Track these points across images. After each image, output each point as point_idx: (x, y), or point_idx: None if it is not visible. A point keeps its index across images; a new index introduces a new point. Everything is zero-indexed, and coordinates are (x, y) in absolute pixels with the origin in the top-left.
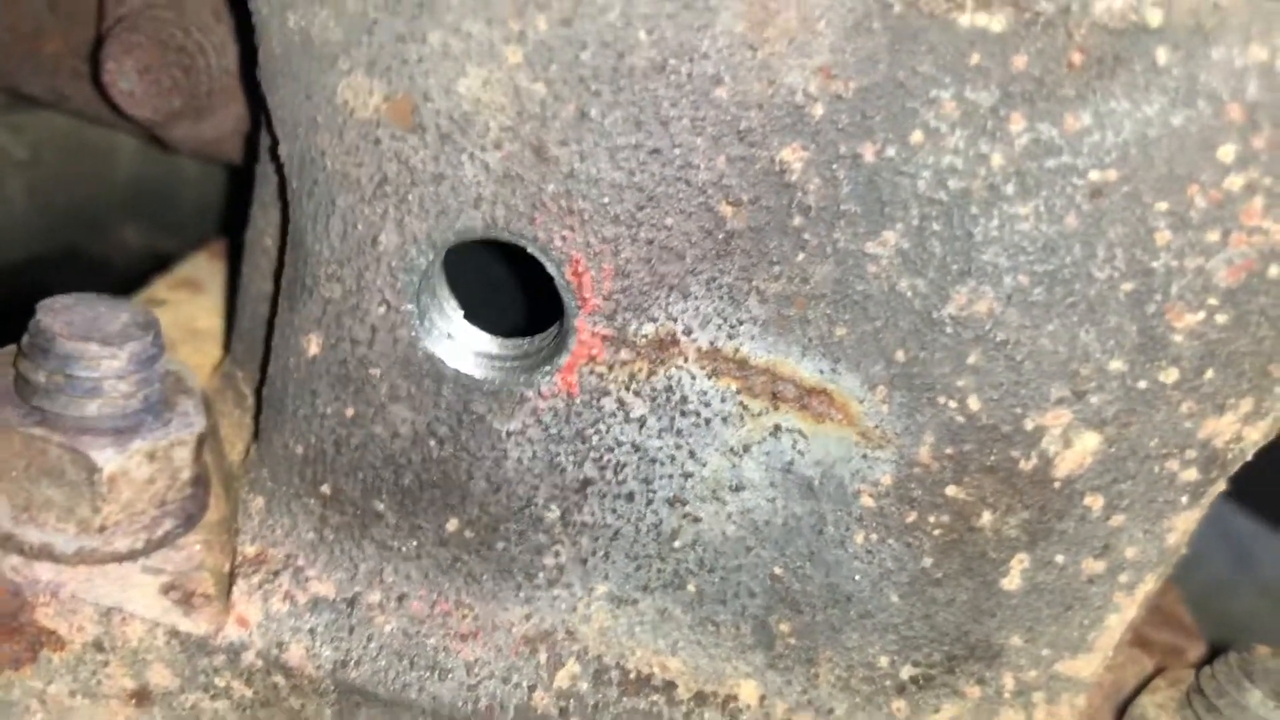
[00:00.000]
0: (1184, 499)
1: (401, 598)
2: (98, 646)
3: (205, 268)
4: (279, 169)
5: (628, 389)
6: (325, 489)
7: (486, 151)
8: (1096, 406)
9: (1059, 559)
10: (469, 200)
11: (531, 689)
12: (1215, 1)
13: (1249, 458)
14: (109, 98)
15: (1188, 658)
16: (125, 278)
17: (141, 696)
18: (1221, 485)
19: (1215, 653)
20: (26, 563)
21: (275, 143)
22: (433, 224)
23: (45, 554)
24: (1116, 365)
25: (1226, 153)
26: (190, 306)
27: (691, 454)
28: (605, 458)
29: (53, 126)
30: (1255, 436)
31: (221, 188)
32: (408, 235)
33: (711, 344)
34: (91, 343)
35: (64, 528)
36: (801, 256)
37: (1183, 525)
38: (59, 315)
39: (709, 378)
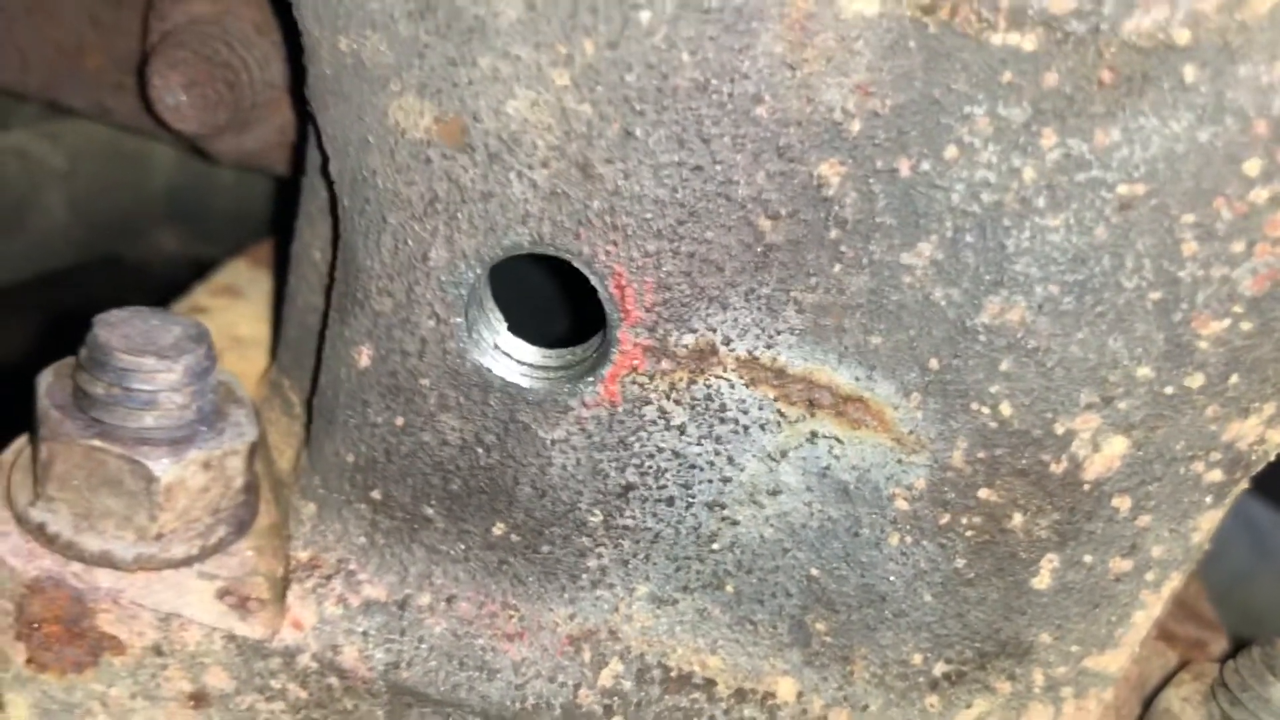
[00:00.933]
0: (1208, 499)
1: (450, 599)
2: (157, 650)
3: (244, 274)
4: (329, 185)
5: (668, 398)
6: (376, 495)
7: (534, 170)
8: (1125, 411)
9: (1088, 559)
10: (517, 217)
11: (577, 687)
12: (1242, 21)
13: (1272, 459)
14: (155, 112)
15: (1211, 651)
16: (163, 284)
17: (199, 699)
18: (1245, 485)
19: (1239, 646)
20: (87, 569)
21: (325, 160)
22: (481, 240)
23: (105, 561)
24: (1144, 371)
25: (1252, 167)
26: (231, 313)
27: (730, 460)
28: (646, 464)
29: (90, 136)
30: (1278, 438)
31: (255, 194)
32: (457, 251)
33: (750, 353)
34: (148, 356)
35: (123, 535)
36: (838, 268)
37: (1207, 524)
38: (115, 329)
39: (747, 386)
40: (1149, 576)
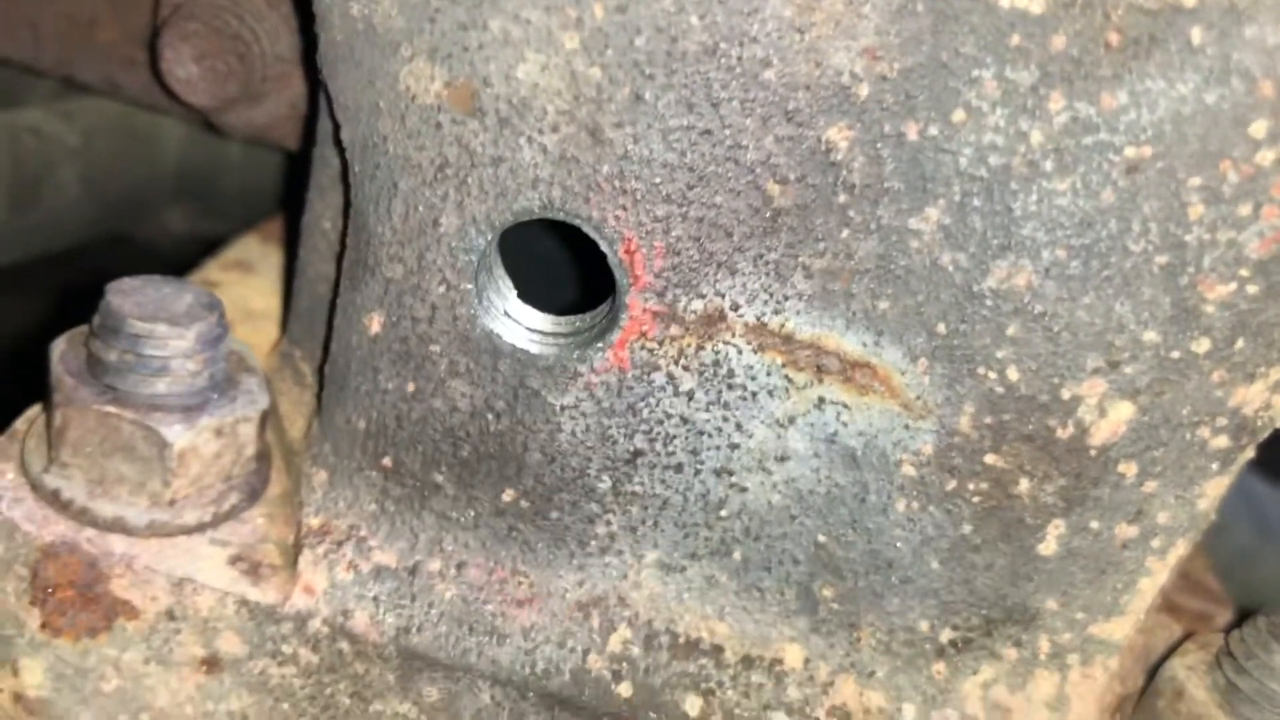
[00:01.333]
0: (1215, 465)
1: (460, 566)
2: (170, 615)
3: (255, 249)
4: (340, 153)
5: (677, 363)
6: (386, 462)
7: (544, 134)
8: (1131, 376)
9: (1094, 525)
10: (527, 182)
11: (586, 653)
12: None
13: (1278, 424)
14: (166, 85)
15: (1216, 623)
16: (172, 262)
17: (212, 663)
18: (1250, 452)
19: (1244, 617)
20: (101, 535)
21: (336, 128)
22: (492, 205)
23: (119, 527)
24: (1150, 336)
25: (1259, 129)
26: (242, 287)
27: (738, 426)
28: (655, 430)
29: (102, 113)
30: None
31: (264, 172)
32: (467, 216)
33: (758, 319)
34: (160, 323)
35: (136, 501)
36: (846, 233)
37: (1213, 491)
38: (128, 297)
39: (755, 352)
40: (1155, 543)
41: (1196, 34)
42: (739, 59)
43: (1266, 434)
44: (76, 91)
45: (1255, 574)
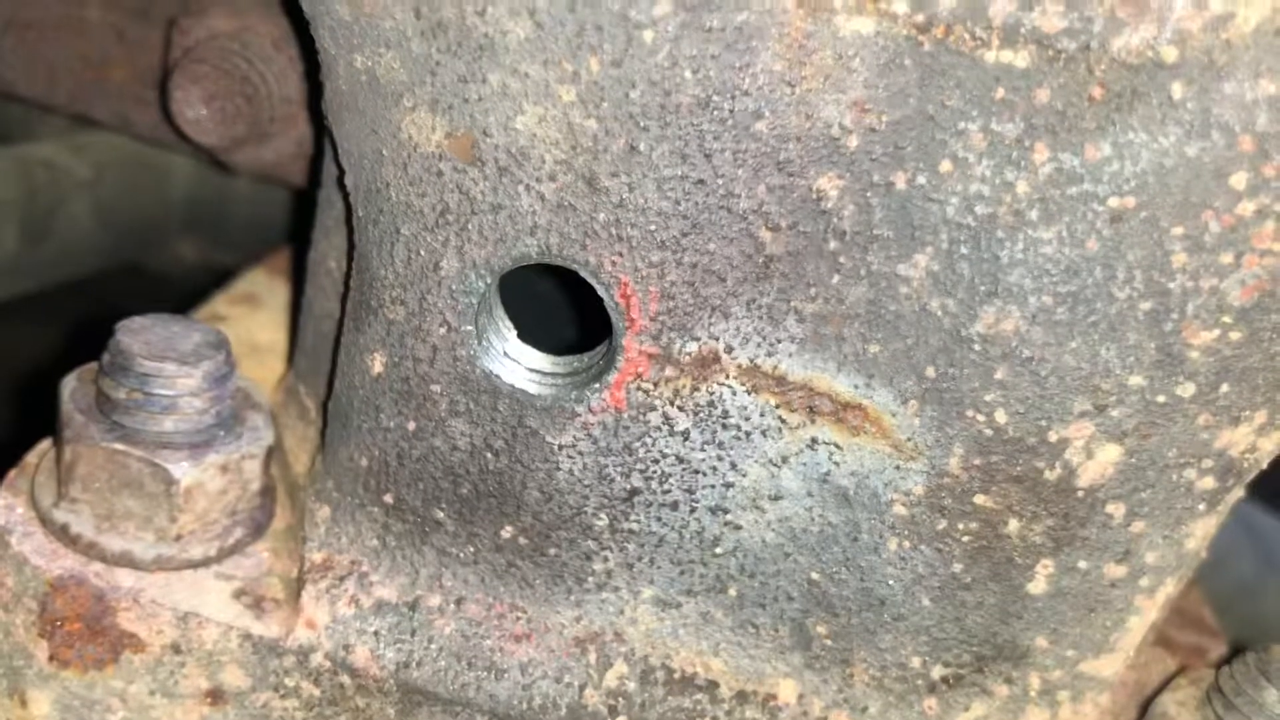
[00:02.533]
0: (1201, 506)
1: (460, 601)
2: (175, 648)
3: (263, 283)
4: (344, 197)
5: (672, 404)
6: (388, 498)
7: (542, 183)
8: (1117, 419)
9: (1082, 564)
10: (525, 228)
11: (582, 688)
12: (1227, 39)
13: (1264, 466)
14: (176, 124)
15: (1210, 657)
16: (182, 291)
17: (216, 696)
18: (1239, 493)
19: (1236, 652)
20: (108, 569)
21: (340, 173)
22: (491, 250)
23: (126, 561)
24: (1136, 380)
25: (1239, 180)
26: (249, 321)
27: (733, 465)
28: (651, 469)
29: (113, 147)
30: (1269, 447)
31: (272, 204)
32: (468, 261)
33: (751, 361)
34: (168, 362)
35: (143, 536)
36: (837, 278)
37: (1201, 531)
38: (137, 336)
39: (749, 393)
40: (1143, 582)
41: (1177, 89)
42: (731, 111)
43: (1253, 474)
44: (87, 125)
45: (1258, 606)
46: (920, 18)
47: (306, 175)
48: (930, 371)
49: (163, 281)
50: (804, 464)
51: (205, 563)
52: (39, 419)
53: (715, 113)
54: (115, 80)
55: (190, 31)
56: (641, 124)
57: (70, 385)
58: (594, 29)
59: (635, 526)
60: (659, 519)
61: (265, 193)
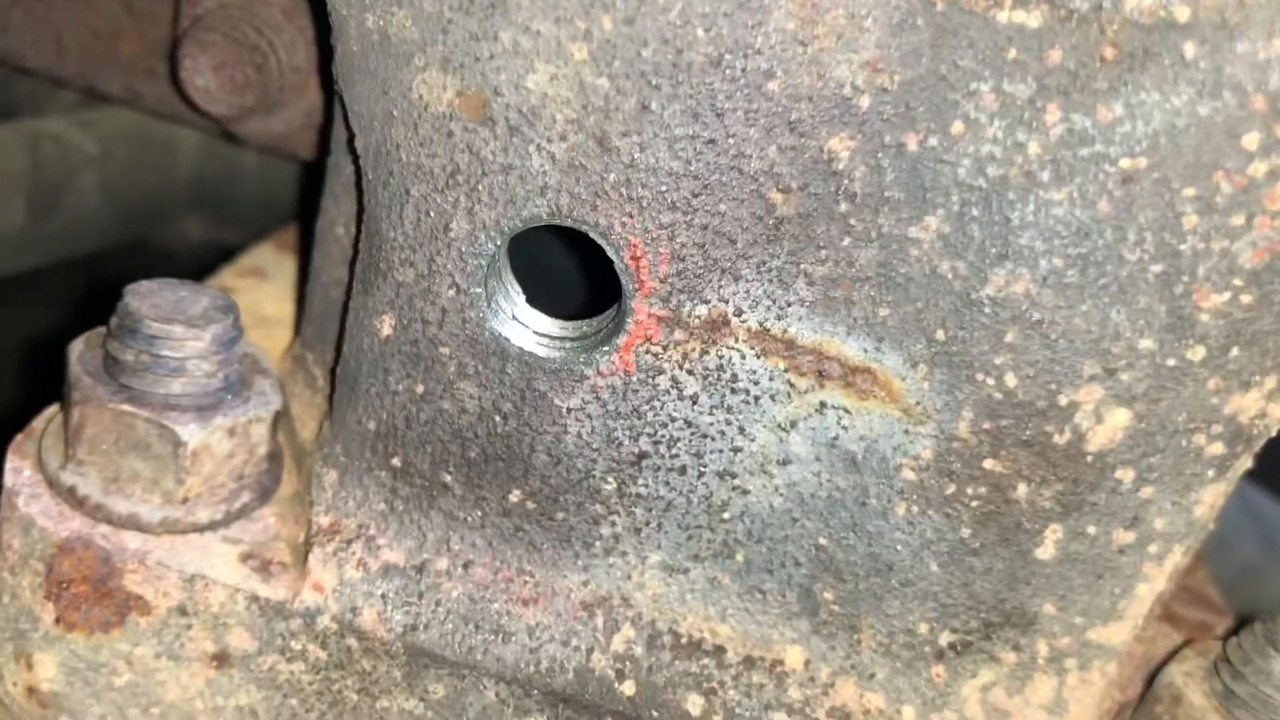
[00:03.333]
0: (1210, 472)
1: (467, 565)
2: (181, 611)
3: (270, 257)
4: (354, 161)
5: (681, 367)
6: (395, 462)
7: (553, 143)
8: (1127, 383)
9: (1091, 529)
10: (535, 189)
11: (589, 652)
12: None
13: (1273, 433)
14: (185, 94)
15: (1215, 633)
16: (189, 265)
17: (222, 659)
18: (1248, 461)
19: (1243, 624)
20: (115, 531)
21: (351, 136)
22: (501, 211)
23: (132, 523)
24: (1146, 344)
25: (1251, 141)
26: (257, 294)
27: (741, 429)
28: (659, 433)
29: (121, 122)
30: (1279, 412)
31: (278, 181)
32: (478, 222)
33: (761, 324)
34: (176, 324)
35: (150, 499)
36: (847, 241)
37: (1209, 498)
38: (145, 299)
39: (758, 357)
40: (1152, 549)
41: (1190, 49)
42: (743, 70)
43: (1262, 442)
44: (96, 101)
45: (1261, 589)
46: None
47: (315, 148)
48: (940, 335)
49: (168, 258)
50: (812, 429)
51: (212, 526)
52: (45, 390)
53: (727, 71)
54: (124, 52)
55: (199, 1)
56: (653, 82)
57: (78, 348)
58: None
59: (643, 491)
60: (667, 483)
61: (272, 170)
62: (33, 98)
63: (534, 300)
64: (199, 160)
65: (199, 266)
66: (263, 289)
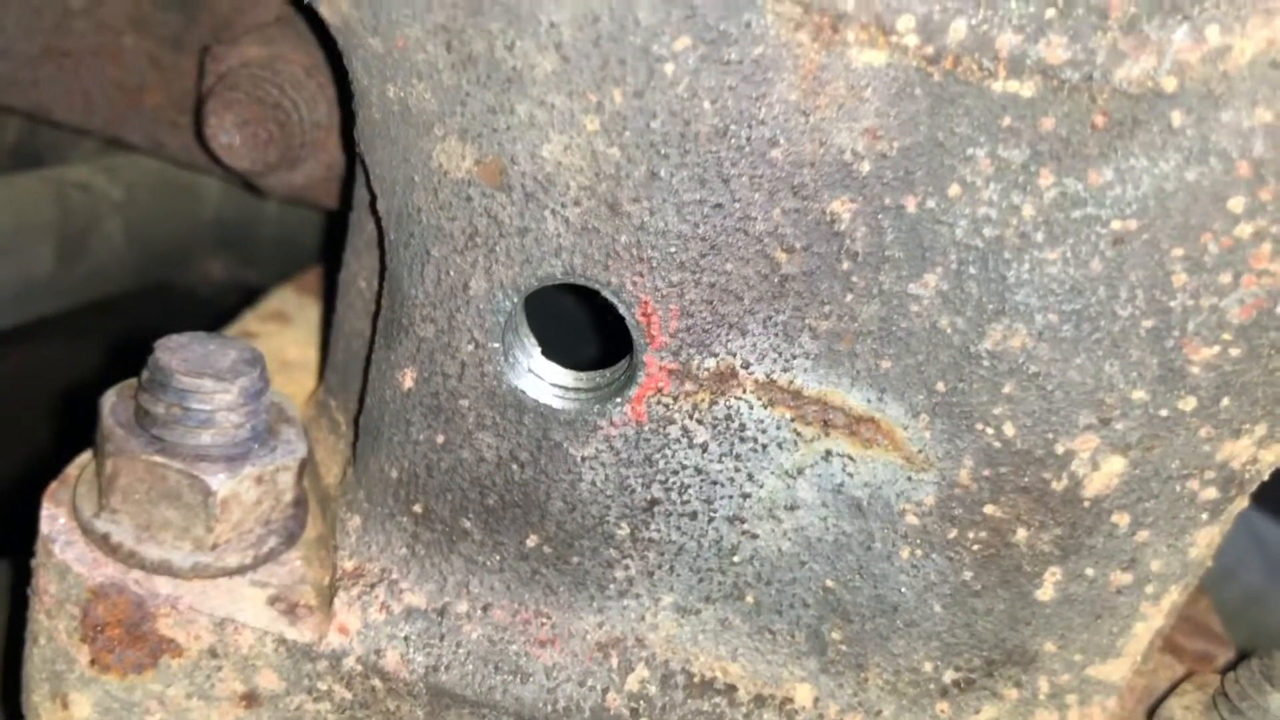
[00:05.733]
0: (1204, 516)
1: (486, 607)
2: (212, 653)
3: (292, 301)
4: (376, 220)
5: (691, 417)
6: (417, 508)
7: (566, 208)
8: (1121, 432)
9: (1089, 572)
10: (550, 250)
11: (605, 691)
12: (1224, 70)
13: (1265, 477)
14: (210, 149)
15: (1217, 663)
16: (210, 310)
17: (251, 699)
18: (1242, 503)
19: (1241, 657)
20: (148, 577)
21: (373, 197)
22: (518, 271)
23: (164, 569)
24: (1139, 395)
25: (1236, 204)
26: (279, 339)
27: (750, 476)
28: (671, 480)
29: (145, 168)
30: (1270, 459)
31: (299, 224)
32: (495, 281)
33: (768, 376)
34: (206, 378)
35: (181, 545)
36: (850, 297)
37: (1204, 540)
38: (175, 353)
39: (765, 407)
40: (1148, 589)
41: (1177, 117)
42: (748, 139)
43: (1255, 486)
44: (120, 149)
45: (1266, 616)
46: (930, 50)
47: (335, 197)
48: (940, 386)
49: (191, 300)
50: (819, 475)
51: (241, 570)
52: (75, 432)
53: (733, 140)
54: (149, 105)
55: (224, 59)
56: (662, 151)
57: (110, 400)
58: (617, 62)
59: (655, 535)
60: (678, 528)
61: (292, 214)
62: (56, 145)
63: (549, 346)
64: (221, 204)
65: (222, 307)
66: (285, 334)
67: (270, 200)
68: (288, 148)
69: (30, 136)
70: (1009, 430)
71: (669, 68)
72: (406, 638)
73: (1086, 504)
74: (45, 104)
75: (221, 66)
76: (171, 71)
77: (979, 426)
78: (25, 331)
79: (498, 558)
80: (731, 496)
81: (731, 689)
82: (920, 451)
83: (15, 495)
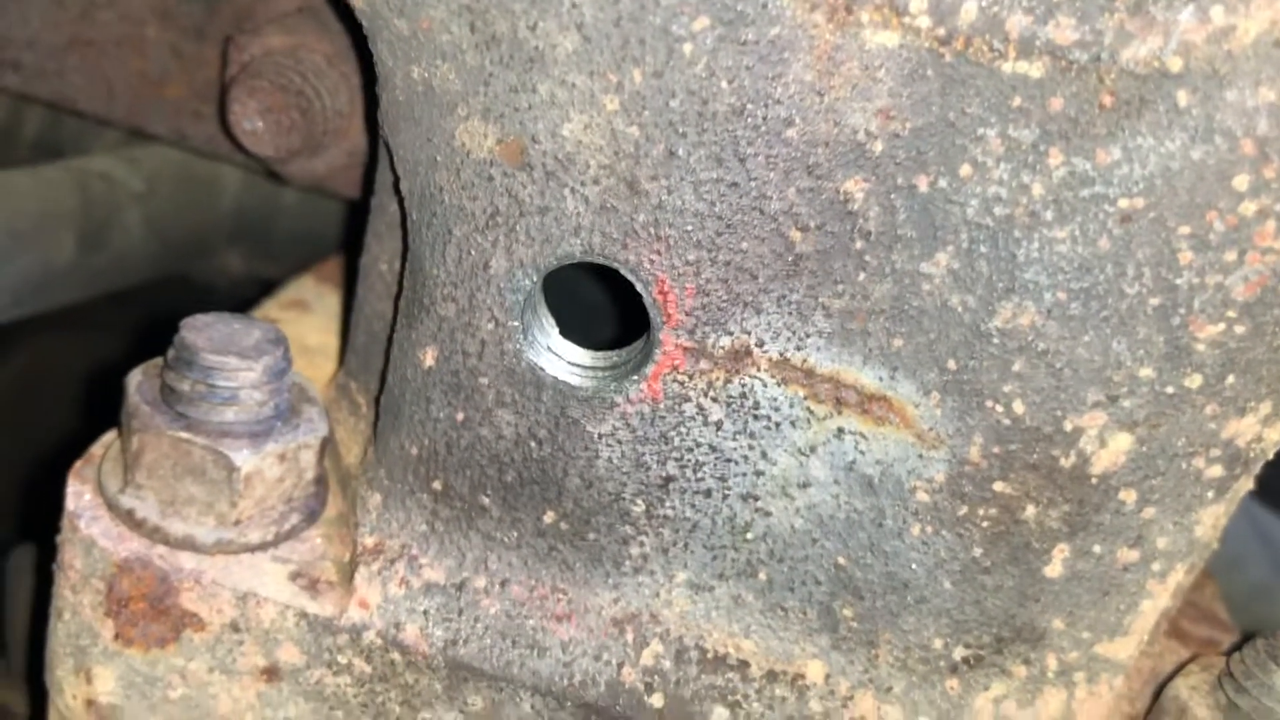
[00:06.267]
0: (1210, 494)
1: (504, 583)
2: (234, 627)
3: (311, 289)
4: (399, 201)
5: (706, 395)
6: (436, 485)
7: (586, 186)
8: (1129, 409)
9: (1096, 548)
10: (570, 229)
11: (620, 666)
12: (1229, 50)
13: (1270, 456)
14: (234, 137)
15: (1222, 649)
16: (230, 299)
17: (272, 673)
18: (1248, 483)
19: (1246, 639)
20: (172, 552)
21: (395, 179)
22: (537, 250)
23: (188, 544)
24: (1146, 372)
25: (1241, 182)
26: (300, 325)
27: (763, 454)
28: (685, 457)
29: (165, 160)
30: (1275, 437)
31: (317, 216)
32: (515, 260)
33: (781, 354)
34: (230, 356)
35: (204, 521)
36: (863, 276)
37: (1210, 518)
38: (201, 332)
39: (779, 385)
40: (1155, 567)
41: (1182, 97)
42: (764, 119)
43: (1260, 464)
44: (141, 140)
45: (1272, 610)
46: (942, 31)
47: (355, 186)
48: (951, 364)
49: (210, 291)
50: (831, 453)
51: (263, 546)
52: (96, 419)
53: (749, 120)
54: (172, 96)
55: (247, 48)
56: (680, 130)
57: (136, 378)
58: (637, 42)
59: (670, 513)
60: (693, 505)
61: (311, 206)
62: (77, 135)
63: (566, 330)
64: (240, 196)
65: (239, 298)
66: (305, 320)
67: (291, 189)
68: (310, 135)
69: (51, 128)
70: (1018, 408)
71: (687, 47)
72: (425, 612)
73: (1094, 481)
74: (70, 94)
75: (245, 55)
76: (194, 62)
77: (989, 404)
78: (47, 320)
79: (515, 534)
80: (745, 474)
81: (744, 665)
82: (931, 429)
83: (37, 482)
